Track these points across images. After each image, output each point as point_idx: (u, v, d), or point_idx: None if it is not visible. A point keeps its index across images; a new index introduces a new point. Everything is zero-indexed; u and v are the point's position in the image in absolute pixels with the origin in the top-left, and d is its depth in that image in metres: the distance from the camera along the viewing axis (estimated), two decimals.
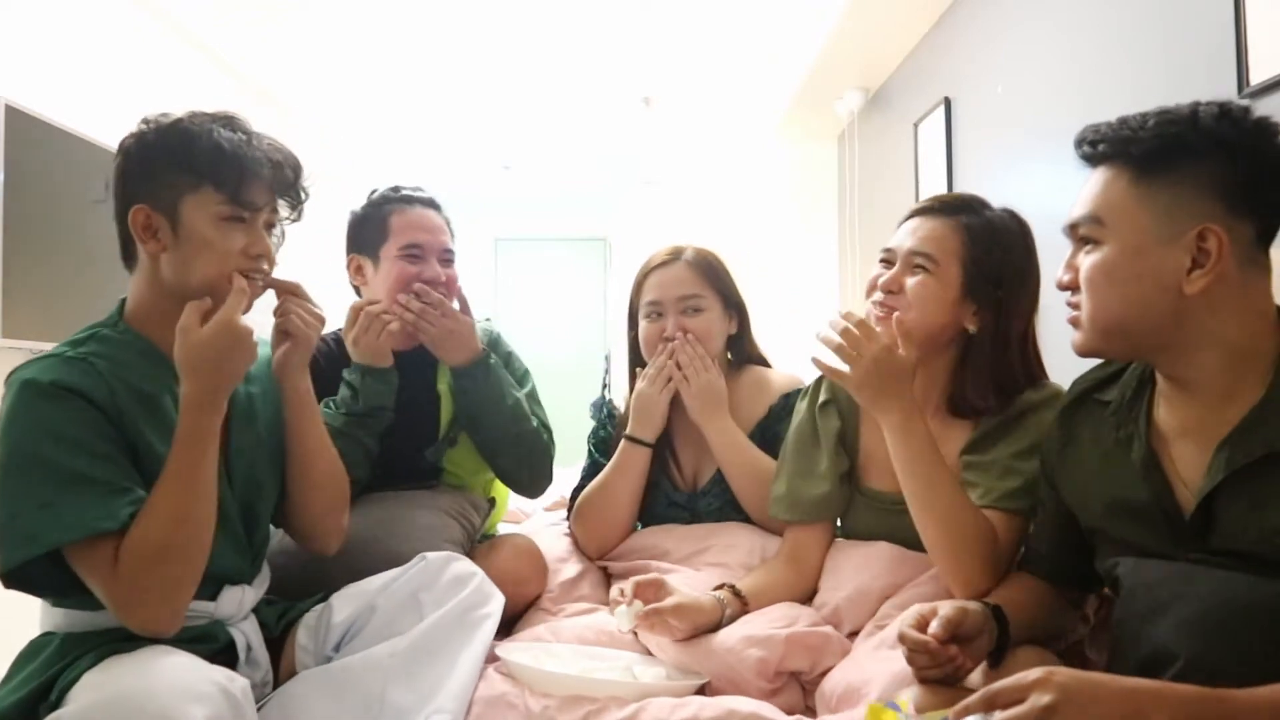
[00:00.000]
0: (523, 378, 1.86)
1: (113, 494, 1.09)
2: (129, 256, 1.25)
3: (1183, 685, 0.81)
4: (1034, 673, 0.82)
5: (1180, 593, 0.90)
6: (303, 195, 1.32)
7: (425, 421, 1.78)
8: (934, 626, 1.03)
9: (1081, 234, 1.02)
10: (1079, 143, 1.02)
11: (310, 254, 4.79)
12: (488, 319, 1.98)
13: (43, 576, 1.11)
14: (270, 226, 1.28)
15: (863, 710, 1.05)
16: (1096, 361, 1.17)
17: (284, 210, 1.30)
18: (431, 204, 1.79)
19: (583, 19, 3.87)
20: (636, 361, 1.80)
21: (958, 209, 1.40)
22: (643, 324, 1.75)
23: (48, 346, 2.65)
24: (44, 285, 2.67)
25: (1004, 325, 1.36)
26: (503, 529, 2.03)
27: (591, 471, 1.83)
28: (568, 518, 1.86)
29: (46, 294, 2.68)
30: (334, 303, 1.95)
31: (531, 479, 1.80)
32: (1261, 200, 0.94)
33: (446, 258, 1.77)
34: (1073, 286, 1.03)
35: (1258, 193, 0.94)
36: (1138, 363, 1.09)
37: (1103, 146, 1.00)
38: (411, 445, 1.74)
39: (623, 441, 1.71)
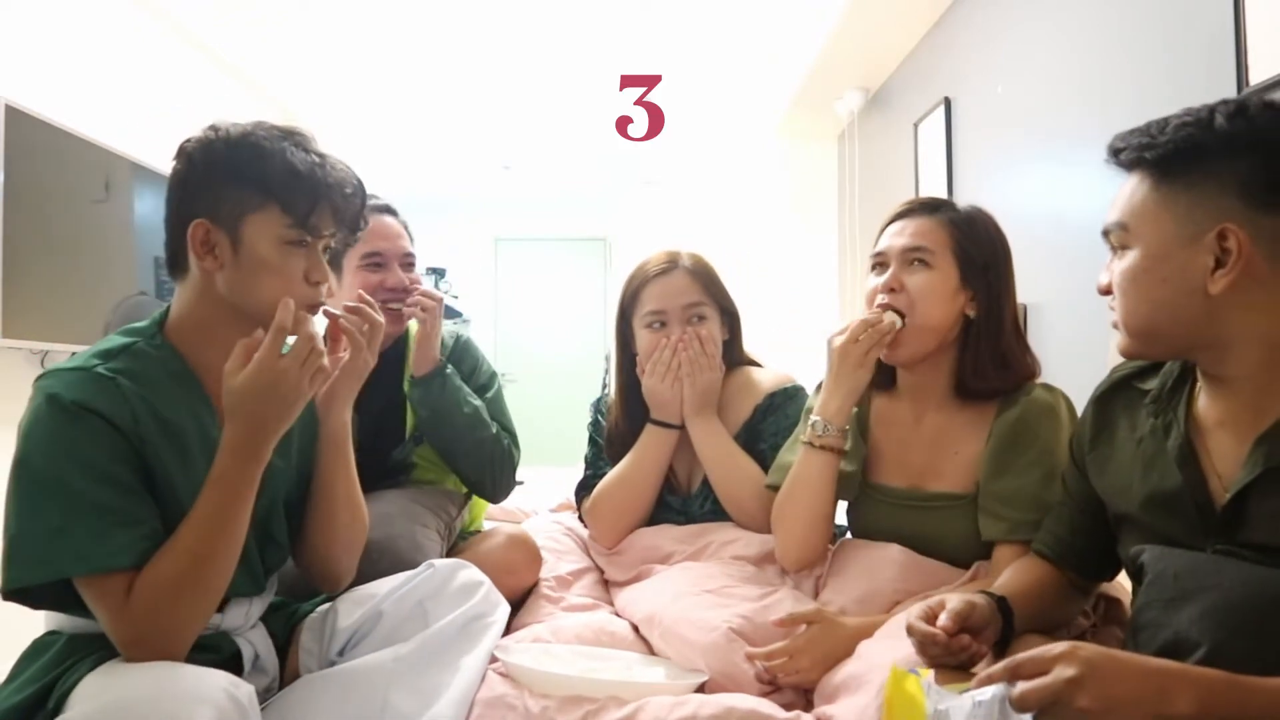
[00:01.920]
0: (488, 382, 1.90)
1: (126, 526, 1.06)
2: (177, 267, 1.20)
3: (1206, 669, 0.81)
4: (1058, 646, 0.82)
5: (1207, 582, 0.89)
6: (363, 224, 1.27)
7: (393, 422, 1.82)
8: (942, 619, 1.04)
9: (1112, 241, 1.03)
10: (1108, 151, 1.03)
11: None
12: (466, 320, 2.00)
13: (41, 593, 1.08)
14: (326, 250, 1.24)
15: (882, 680, 1.05)
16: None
17: (342, 235, 1.26)
18: (388, 210, 1.83)
19: (583, 19, 3.88)
20: (629, 367, 1.81)
21: (935, 207, 1.47)
22: (644, 334, 1.75)
23: (47, 346, 2.67)
24: (44, 285, 2.67)
25: (998, 307, 1.44)
26: (502, 527, 2.04)
27: (595, 458, 1.86)
28: (579, 513, 1.87)
29: (46, 294, 2.68)
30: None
31: (493, 485, 1.83)
32: None
33: (408, 262, 1.82)
34: (1109, 291, 1.04)
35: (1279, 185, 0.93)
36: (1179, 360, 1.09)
37: (1124, 154, 1.00)
38: (380, 446, 1.77)
39: (648, 427, 1.74)
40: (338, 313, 1.31)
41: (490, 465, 1.79)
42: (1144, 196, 0.98)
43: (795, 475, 1.50)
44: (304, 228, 1.17)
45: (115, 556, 1.04)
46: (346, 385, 1.33)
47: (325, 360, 1.16)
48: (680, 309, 1.72)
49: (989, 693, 0.83)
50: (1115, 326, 1.05)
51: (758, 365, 1.87)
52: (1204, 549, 0.97)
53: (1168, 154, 0.96)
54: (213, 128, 1.18)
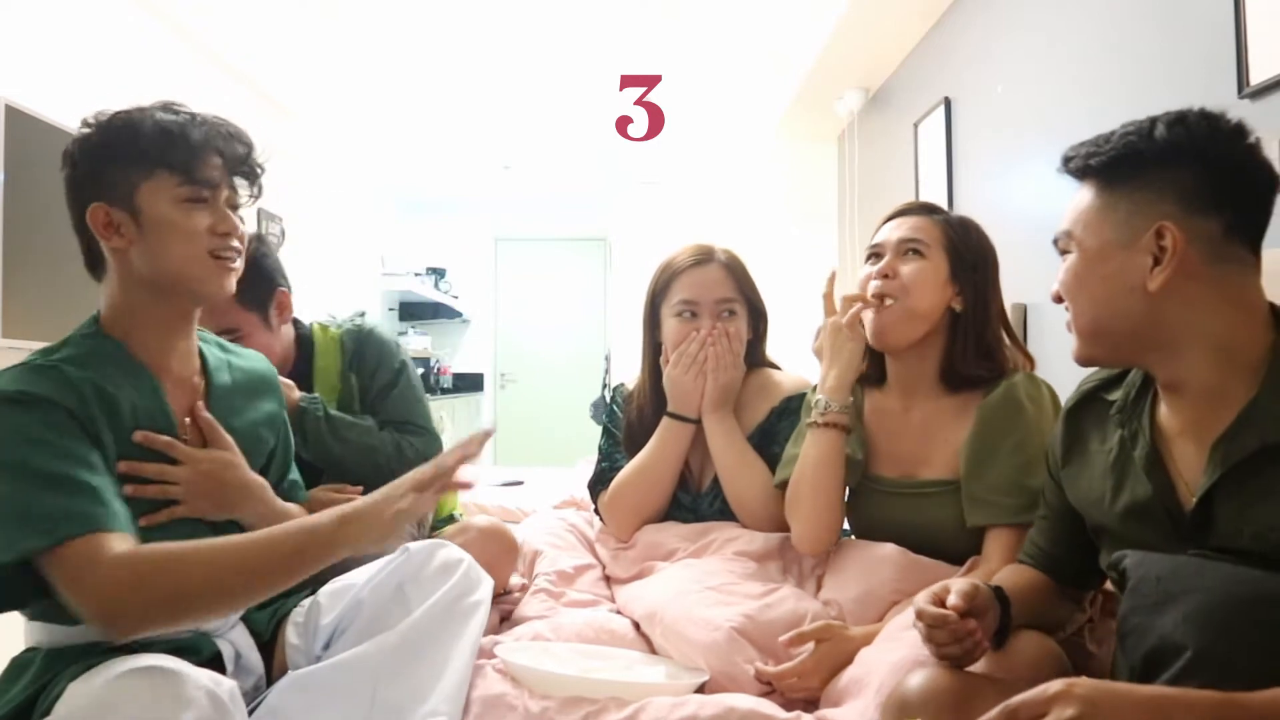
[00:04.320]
0: (393, 378, 1.83)
1: (87, 495, 1.06)
2: (94, 264, 1.23)
3: (1204, 691, 0.81)
4: (1055, 685, 0.82)
5: (1189, 585, 0.90)
6: (258, 171, 1.28)
7: None
8: (953, 599, 1.05)
9: (1060, 248, 1.08)
10: (1060, 160, 1.08)
11: (311, 254, 4.79)
12: (362, 313, 1.93)
13: (5, 587, 1.07)
14: (234, 207, 1.25)
15: (881, 680, 1.07)
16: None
17: (243, 190, 1.27)
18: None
19: (583, 19, 3.88)
20: (654, 357, 1.81)
21: (930, 209, 1.57)
22: (673, 322, 1.75)
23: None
24: (44, 285, 2.66)
25: (983, 302, 1.51)
26: (475, 520, 2.02)
27: (610, 450, 1.85)
28: (595, 508, 1.87)
29: (46, 294, 2.67)
30: (344, 299, 1.96)
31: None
32: (1221, 196, 0.97)
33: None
34: (1061, 299, 1.08)
35: (1216, 189, 0.97)
36: (1134, 368, 1.11)
37: (1073, 163, 1.06)
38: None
39: (664, 419, 1.74)
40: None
41: (389, 473, 1.73)
42: (1089, 204, 1.04)
43: (803, 456, 1.53)
44: (195, 182, 1.19)
45: (78, 524, 1.03)
46: None
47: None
48: (712, 302, 1.73)
49: None
50: (1068, 329, 1.08)
51: (777, 368, 1.87)
52: (1181, 554, 0.97)
53: (1110, 161, 1.01)
54: (84, 122, 1.22)
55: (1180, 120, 0.98)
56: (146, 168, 1.18)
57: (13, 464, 1.05)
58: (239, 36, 3.95)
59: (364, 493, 1.62)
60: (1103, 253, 1.01)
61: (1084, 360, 1.08)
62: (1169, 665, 0.86)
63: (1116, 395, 1.12)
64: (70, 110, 2.85)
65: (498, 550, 1.70)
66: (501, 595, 1.66)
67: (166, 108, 1.22)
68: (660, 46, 4.17)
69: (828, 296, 1.57)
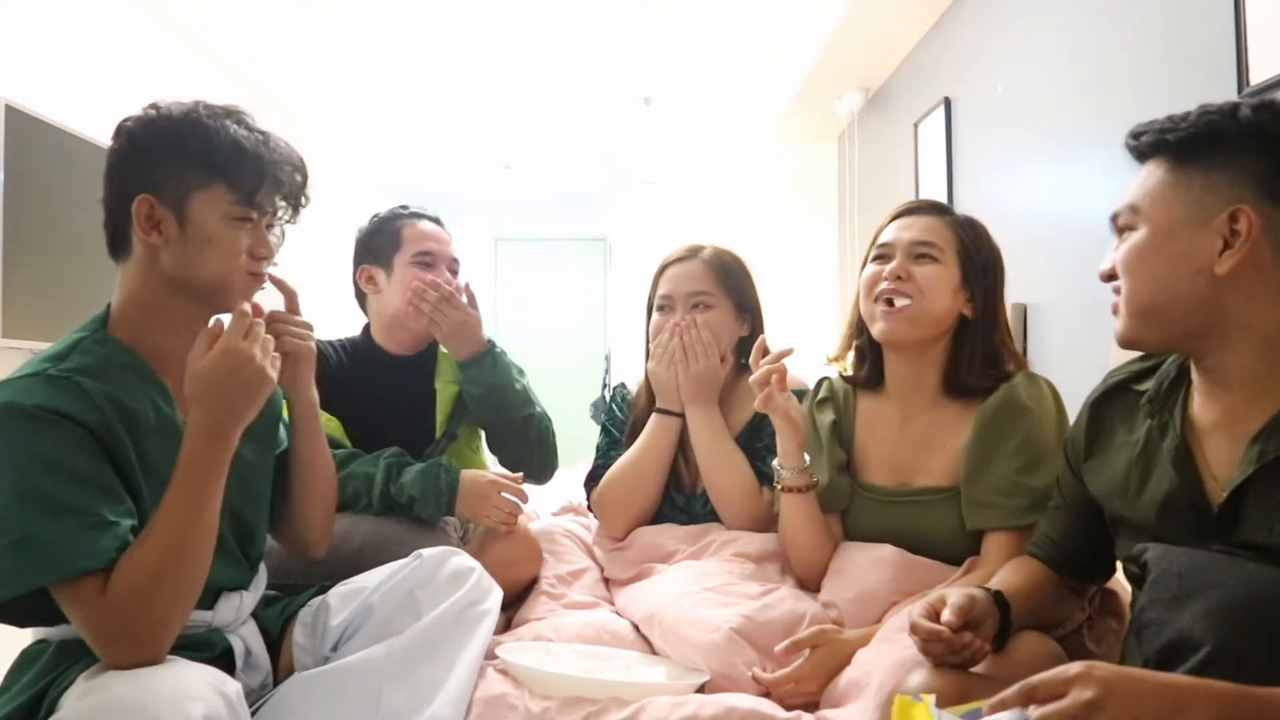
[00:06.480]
0: (519, 375, 1.94)
1: (100, 527, 1.03)
2: (118, 247, 1.20)
3: (1222, 682, 0.81)
4: (1074, 667, 0.81)
5: (1211, 581, 0.89)
6: (305, 200, 1.29)
7: (421, 420, 1.85)
8: (947, 614, 1.04)
9: (1120, 224, 1.04)
10: (1128, 137, 1.04)
11: (313, 248, 4.79)
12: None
13: (23, 609, 1.06)
14: (270, 227, 1.25)
15: (880, 680, 1.06)
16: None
17: (284, 212, 1.27)
18: (438, 220, 1.97)
19: (583, 19, 3.88)
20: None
21: (941, 210, 1.53)
22: (655, 316, 1.79)
23: (47, 347, 2.67)
24: (44, 285, 2.66)
25: (992, 308, 1.48)
26: None
27: (608, 448, 1.86)
28: (588, 504, 1.88)
29: (46, 294, 2.67)
30: (345, 299, 2.01)
31: (540, 464, 1.87)
32: None
33: (454, 267, 1.95)
34: (1112, 276, 1.05)
35: None
36: (1175, 354, 1.10)
37: (1145, 138, 1.02)
38: (410, 445, 1.77)
39: (654, 415, 1.75)
40: (282, 321, 1.34)
41: (538, 443, 1.85)
42: (1159, 179, 1.00)
43: (782, 516, 1.56)
44: (250, 205, 1.18)
45: (88, 558, 1.01)
46: (302, 368, 1.36)
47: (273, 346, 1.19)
48: (685, 295, 1.74)
49: (1003, 719, 0.82)
50: (1115, 313, 1.05)
51: None
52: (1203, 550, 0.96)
53: (1189, 137, 0.98)
54: (153, 106, 1.19)
55: (1267, 106, 0.96)
56: (207, 177, 1.16)
57: (24, 489, 1.02)
58: (239, 36, 3.95)
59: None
60: (1172, 230, 0.98)
61: (1128, 342, 1.05)
62: (1185, 660, 0.86)
63: (1147, 386, 1.10)
64: (70, 110, 2.87)
65: (523, 551, 1.71)
66: (515, 601, 1.66)
67: (240, 119, 1.20)
68: (661, 47, 4.17)
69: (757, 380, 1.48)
